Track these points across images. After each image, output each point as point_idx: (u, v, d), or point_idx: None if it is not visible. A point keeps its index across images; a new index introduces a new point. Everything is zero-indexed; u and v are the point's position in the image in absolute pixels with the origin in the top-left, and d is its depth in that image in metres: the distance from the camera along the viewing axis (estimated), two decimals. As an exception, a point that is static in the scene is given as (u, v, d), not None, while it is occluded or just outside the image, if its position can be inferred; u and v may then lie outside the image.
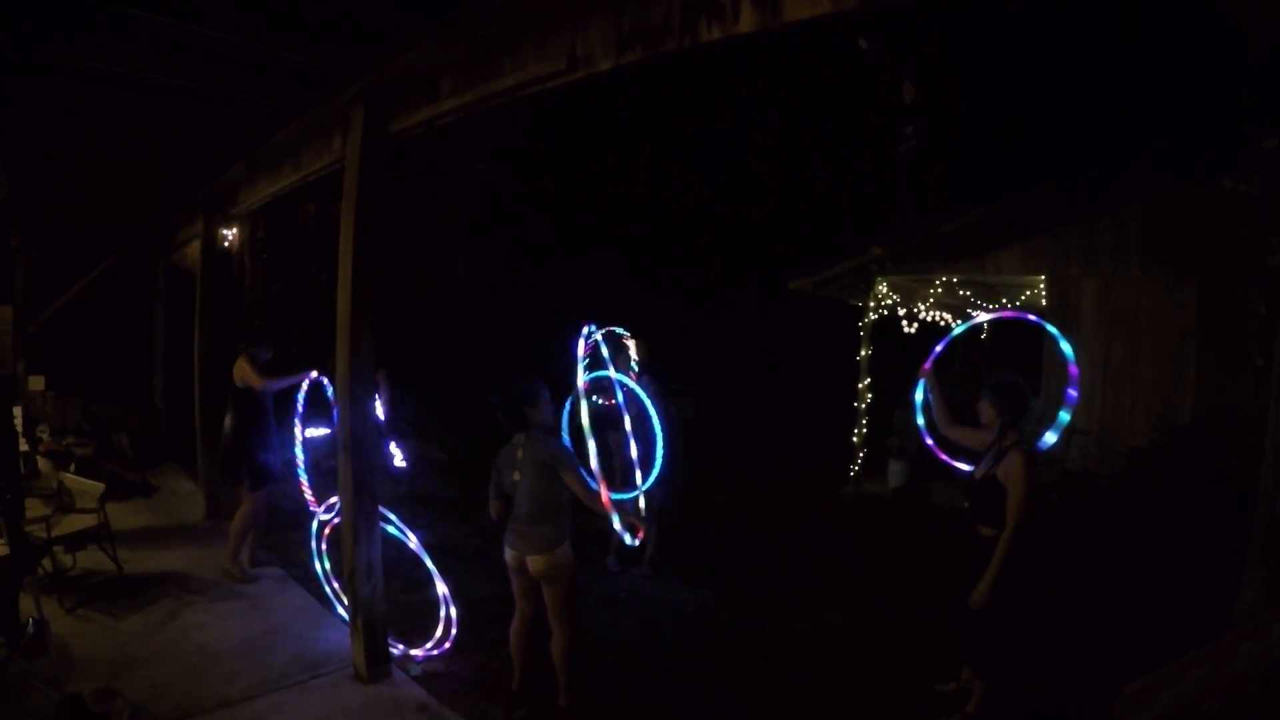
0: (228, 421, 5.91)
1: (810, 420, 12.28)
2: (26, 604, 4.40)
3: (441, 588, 4.45)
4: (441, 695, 4.32)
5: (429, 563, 4.44)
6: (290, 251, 11.32)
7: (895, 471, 9.82)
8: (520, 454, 4.00)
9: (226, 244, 11.97)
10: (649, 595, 6.17)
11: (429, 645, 4.63)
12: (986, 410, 4.13)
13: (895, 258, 9.33)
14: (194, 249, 10.44)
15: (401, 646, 4.73)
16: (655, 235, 14.47)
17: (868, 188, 12.86)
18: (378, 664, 4.43)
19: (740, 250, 14.49)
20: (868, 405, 9.94)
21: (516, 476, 3.98)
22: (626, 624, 5.58)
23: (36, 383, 8.55)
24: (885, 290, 9.91)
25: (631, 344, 6.60)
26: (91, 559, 5.88)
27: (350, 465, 4.32)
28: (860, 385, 9.93)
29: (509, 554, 4.05)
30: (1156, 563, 5.99)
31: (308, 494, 5.47)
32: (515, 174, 12.46)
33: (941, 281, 9.83)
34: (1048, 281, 8.96)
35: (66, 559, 5.82)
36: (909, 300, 10.49)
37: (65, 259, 9.13)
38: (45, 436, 7.78)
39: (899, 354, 10.80)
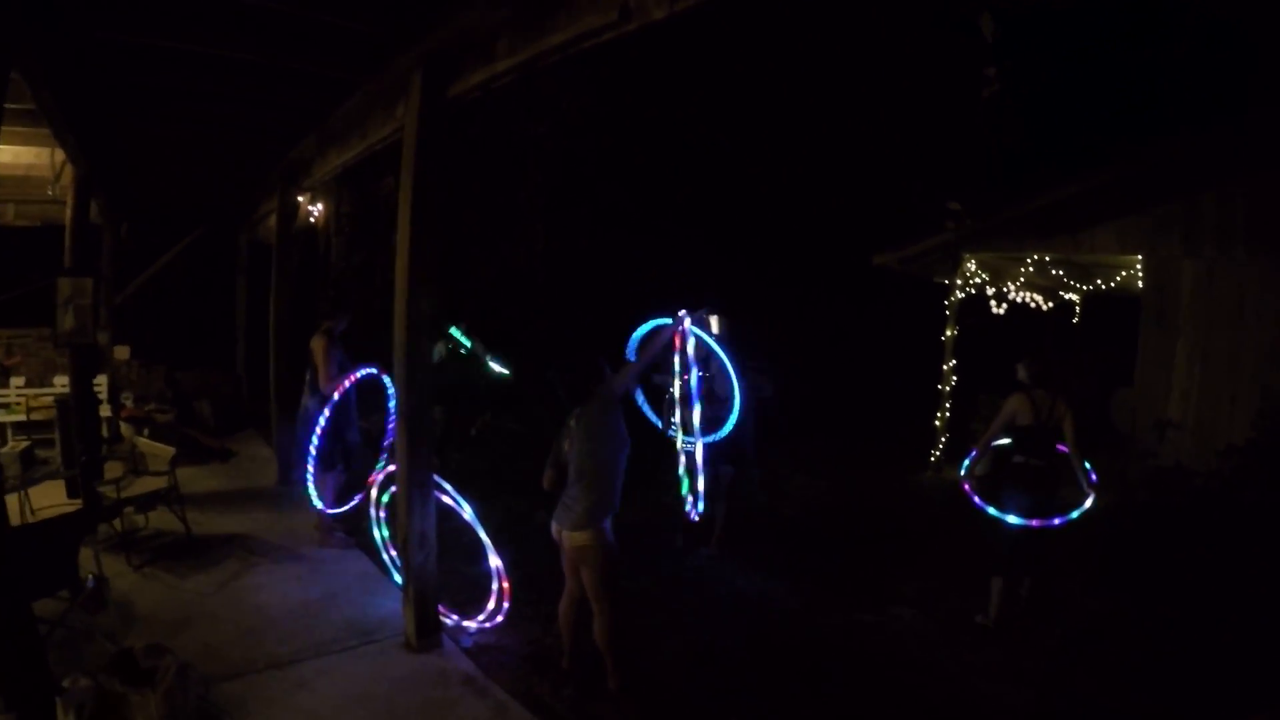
0: (306, 399, 5.96)
1: (893, 402, 11.76)
2: (91, 560, 4.52)
3: (494, 560, 4.40)
4: (490, 669, 4.27)
5: (482, 534, 4.39)
6: (372, 225, 11.52)
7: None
8: (573, 423, 3.91)
9: (312, 219, 12.33)
10: (713, 578, 5.99)
11: (481, 618, 4.60)
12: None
13: (982, 234, 8.74)
14: (273, 222, 10.82)
15: (455, 617, 4.72)
16: (738, 206, 14.06)
17: (955, 156, 12.21)
18: (428, 634, 4.43)
19: (825, 223, 13.96)
20: (952, 388, 9.47)
21: (567, 447, 3.89)
22: (687, 607, 5.43)
23: (122, 352, 8.97)
24: (974, 268, 9.33)
25: (713, 319, 6.44)
26: (163, 520, 6.11)
27: (407, 435, 4.31)
28: (945, 367, 9.47)
29: (554, 527, 3.99)
30: (1251, 571, 5.49)
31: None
32: (595, 144, 12.33)
33: (1032, 260, 9.19)
34: (1144, 262, 8.34)
35: (139, 519, 6.04)
36: (998, 279, 9.88)
37: (151, 234, 9.54)
38: (129, 403, 8.14)
39: (987, 335, 10.30)
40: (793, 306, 13.99)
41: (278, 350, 7.57)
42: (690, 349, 5.11)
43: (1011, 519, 4.98)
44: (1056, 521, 4.96)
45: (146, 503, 5.86)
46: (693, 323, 4.97)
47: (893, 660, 4.79)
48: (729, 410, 5.63)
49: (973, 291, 9.68)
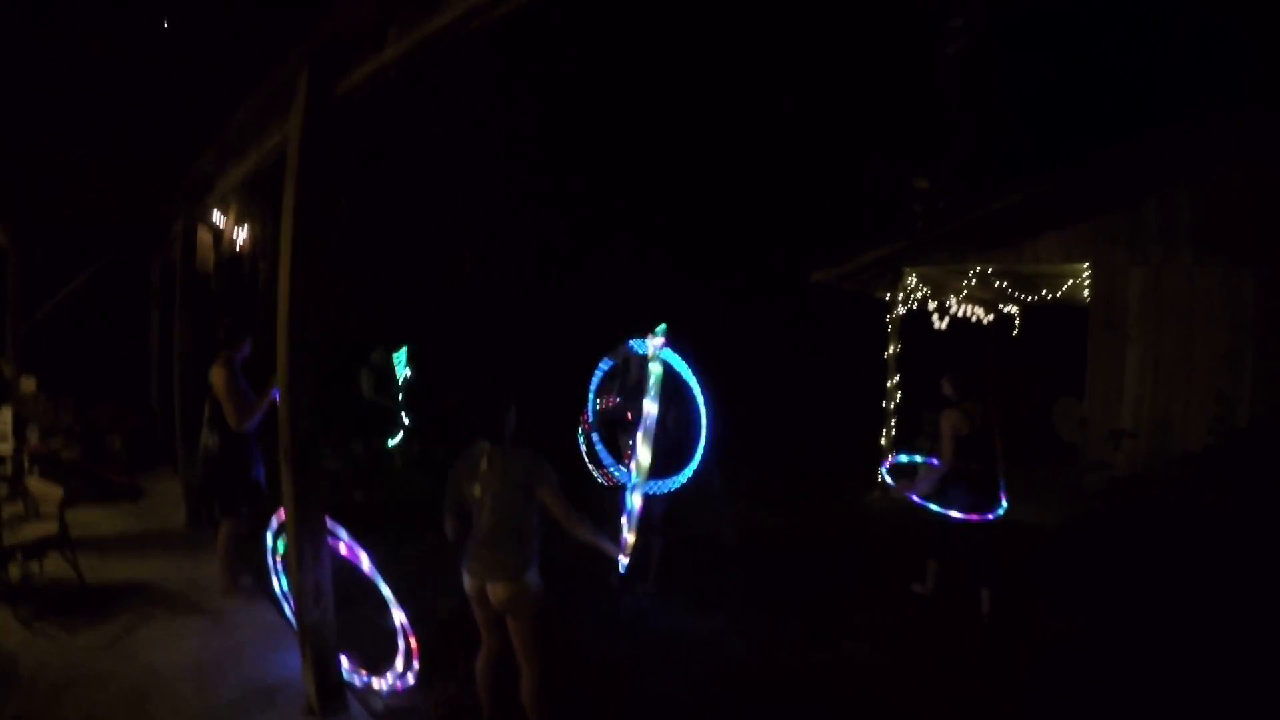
0: (205, 437, 5.44)
1: (837, 421, 11.63)
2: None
3: (399, 616, 3.96)
4: None
5: (383, 587, 3.96)
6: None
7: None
8: (484, 465, 3.50)
9: (238, 245, 11.75)
10: (653, 617, 5.60)
11: (389, 679, 4.14)
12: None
13: (923, 247, 8.68)
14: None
15: (365, 675, 4.26)
16: (670, 227, 13.83)
17: (898, 166, 12.14)
18: (330, 696, 3.96)
19: (761, 242, 13.81)
20: (896, 405, 9.28)
21: (477, 491, 3.48)
22: (625, 651, 5.04)
23: (28, 384, 8.32)
24: (914, 282, 9.22)
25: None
26: (61, 567, 5.49)
27: (292, 475, 3.85)
28: (889, 384, 9.28)
29: (468, 582, 3.55)
30: (1213, 581, 5.34)
31: None
32: (527, 162, 12.01)
33: (975, 272, 9.10)
34: (1091, 270, 8.25)
35: (35, 567, 5.49)
36: (940, 292, 9.77)
37: (58, 259, 8.90)
38: (34, 439, 7.51)
39: (930, 350, 10.17)
40: (730, 327, 13.77)
41: (183, 383, 7.03)
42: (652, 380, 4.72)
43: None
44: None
45: (35, 549, 5.30)
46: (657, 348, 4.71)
47: (855, 704, 4.45)
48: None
49: (914, 306, 9.53)
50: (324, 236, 3.86)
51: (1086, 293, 8.60)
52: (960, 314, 10.49)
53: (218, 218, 11.48)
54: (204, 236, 11.52)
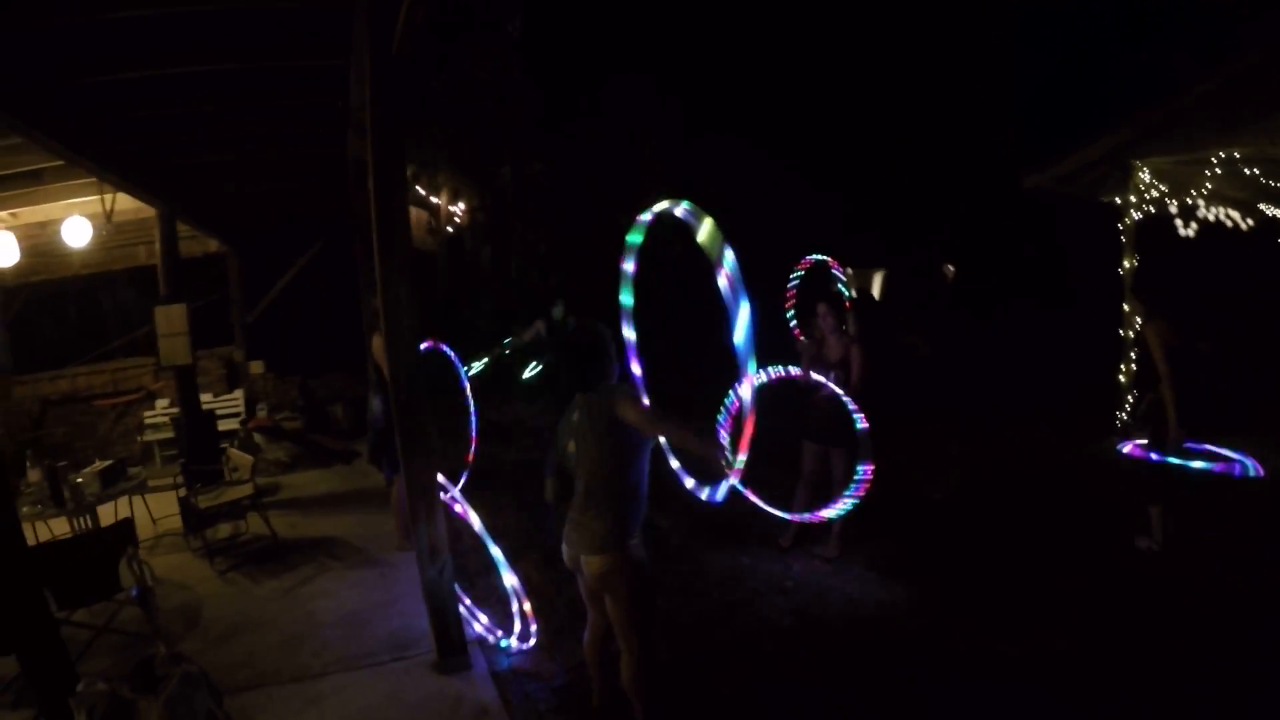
0: (371, 401, 5.77)
1: (1068, 352, 9.86)
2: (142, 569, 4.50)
3: (509, 579, 3.84)
4: (515, 700, 3.76)
5: (493, 549, 3.86)
6: (498, 215, 11.45)
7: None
8: (578, 416, 3.16)
9: (456, 218, 12.57)
10: (821, 586, 4.98)
11: (513, 641, 4.08)
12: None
13: (1155, 132, 6.93)
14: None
15: (500, 634, 4.23)
16: (844, 132, 12.51)
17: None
18: (453, 654, 3.99)
19: (964, 144, 12.04)
20: (1138, 333, 7.62)
21: (572, 447, 3.13)
22: (778, 623, 4.51)
23: (256, 367, 9.48)
24: (1148, 179, 7.43)
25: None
26: (276, 523, 6.21)
27: (402, 435, 3.86)
28: (1126, 307, 7.67)
29: (566, 552, 3.21)
30: None
31: None
32: (713, 109, 11.48)
33: (1219, 160, 7.12)
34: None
35: (242, 525, 6.26)
36: (1180, 191, 7.74)
37: (276, 255, 9.95)
38: (262, 414, 8.50)
39: (1175, 265, 8.30)
40: (929, 251, 12.25)
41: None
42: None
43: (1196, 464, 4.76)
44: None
45: (232, 510, 5.96)
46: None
47: (1028, 708, 3.61)
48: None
49: (1152, 210, 7.70)
50: (403, 200, 3.76)
51: None
52: (1214, 218, 8.33)
53: (433, 197, 12.40)
54: (417, 215, 12.47)
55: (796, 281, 7.70)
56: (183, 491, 6.16)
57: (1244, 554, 4.92)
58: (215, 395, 9.00)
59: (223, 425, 8.33)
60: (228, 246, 9.41)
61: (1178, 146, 7.10)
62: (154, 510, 6.65)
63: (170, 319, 7.02)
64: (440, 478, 3.96)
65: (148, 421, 8.56)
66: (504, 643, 4.15)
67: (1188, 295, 5.61)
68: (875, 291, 13.03)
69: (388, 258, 3.73)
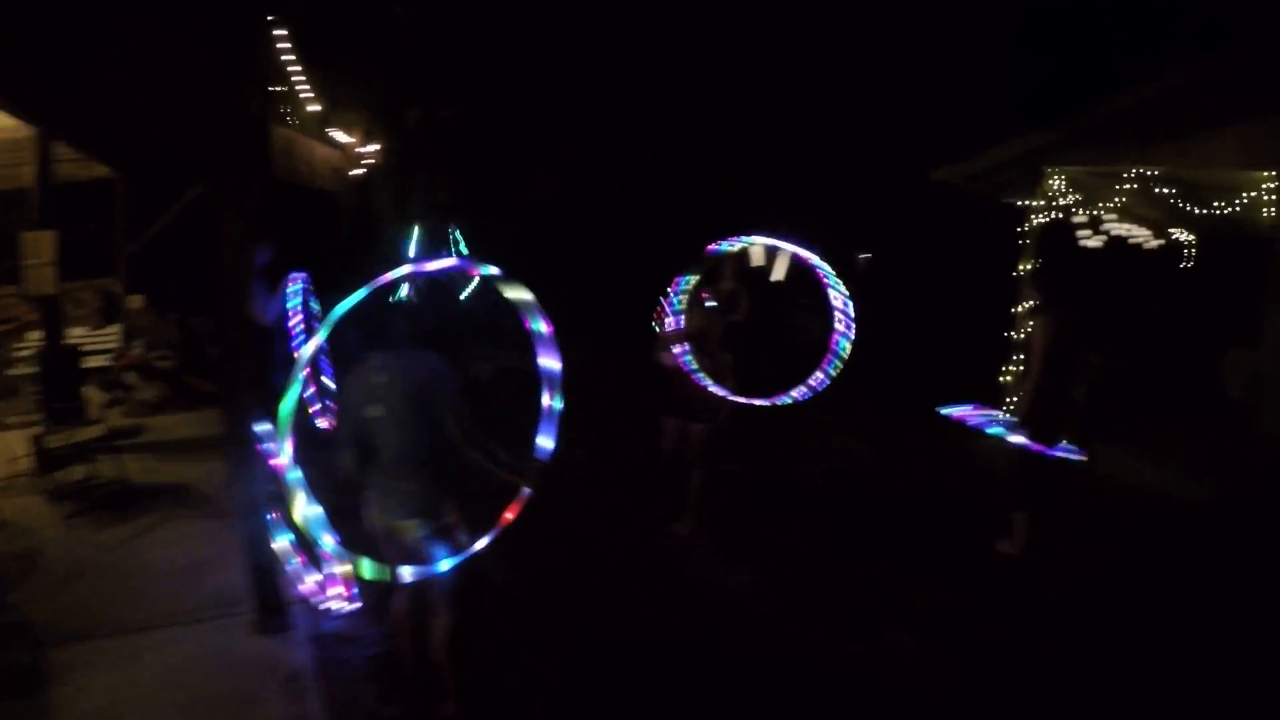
0: None
1: (967, 350, 10.00)
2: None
3: (329, 540, 3.65)
4: (330, 665, 3.65)
5: (311, 507, 3.64)
6: (404, 161, 11.04)
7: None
8: (381, 378, 3.01)
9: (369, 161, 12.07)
10: (669, 565, 4.93)
11: (330, 604, 3.91)
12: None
13: (1070, 141, 7.00)
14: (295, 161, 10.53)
15: (325, 596, 4.05)
16: (779, 132, 12.46)
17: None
18: (272, 614, 3.85)
19: (880, 139, 12.08)
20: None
21: (375, 411, 2.99)
22: (617, 602, 4.44)
23: (135, 301, 8.96)
24: (1059, 185, 7.53)
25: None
26: (131, 467, 5.92)
27: (224, 381, 3.69)
28: (1019, 309, 7.79)
29: (374, 518, 3.11)
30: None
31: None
32: (632, 80, 11.24)
33: (1132, 176, 7.27)
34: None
35: (103, 467, 5.85)
36: (1091, 202, 7.92)
37: (166, 186, 9.32)
38: (137, 351, 8.04)
39: (1079, 271, 8.46)
40: (838, 236, 12.32)
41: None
42: None
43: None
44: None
45: (79, 453, 5.62)
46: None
47: (868, 709, 3.59)
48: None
49: (1057, 214, 7.81)
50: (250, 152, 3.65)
51: (1268, 212, 6.69)
52: (1120, 234, 8.52)
53: (342, 136, 11.85)
54: (325, 153, 11.94)
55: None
56: (40, 430, 5.80)
57: (1104, 565, 5.04)
58: (92, 329, 8.48)
59: (94, 362, 7.84)
60: (116, 173, 8.80)
61: (1092, 157, 7.18)
62: (16, 449, 6.22)
63: (38, 246, 6.53)
64: (263, 428, 3.74)
65: (15, 355, 8.01)
66: (330, 606, 3.98)
67: (1085, 304, 5.70)
68: (779, 273, 13.14)
69: (227, 195, 3.49)
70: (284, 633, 3.82)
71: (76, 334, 8.17)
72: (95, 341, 8.25)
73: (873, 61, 11.96)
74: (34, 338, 8.17)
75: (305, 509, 3.55)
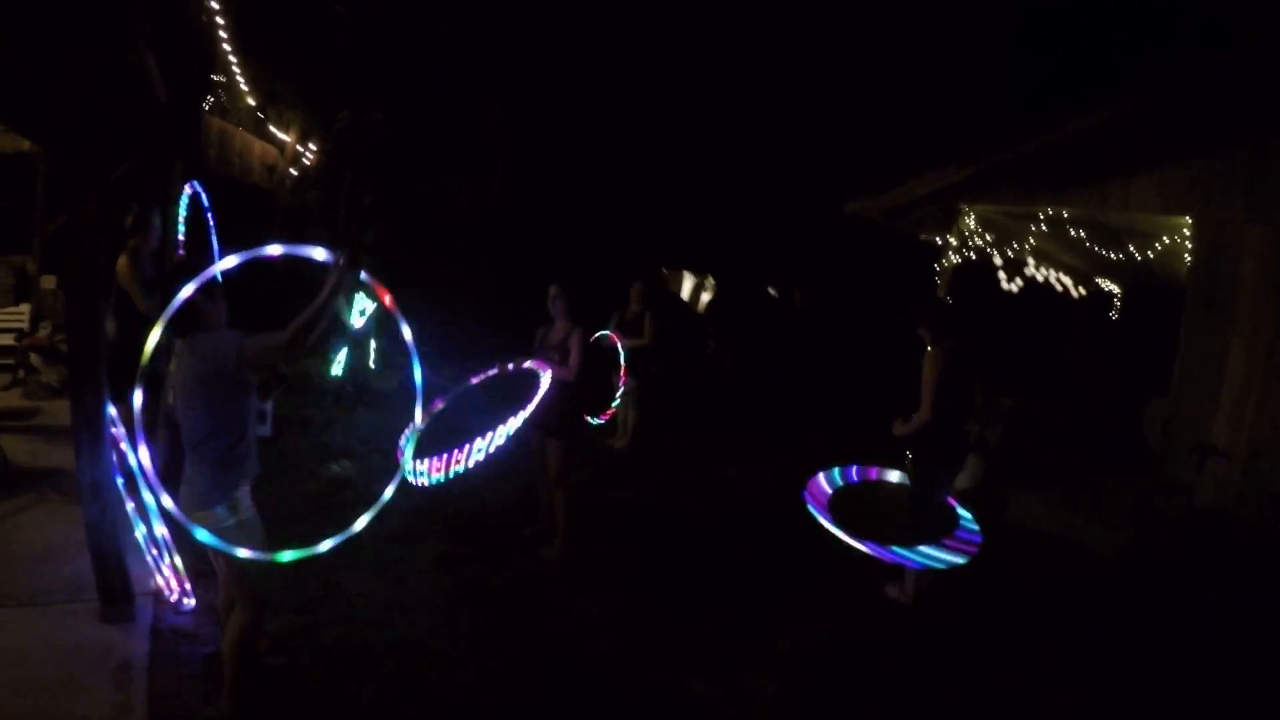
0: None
1: (866, 384, 10.06)
2: None
3: (160, 530, 3.64)
4: (162, 659, 3.58)
5: (151, 497, 3.61)
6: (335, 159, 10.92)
7: (967, 467, 7.37)
8: (174, 365, 2.98)
9: (306, 160, 11.92)
10: (527, 589, 4.75)
11: (173, 598, 3.89)
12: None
13: (986, 179, 7.02)
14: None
15: (172, 590, 4.00)
16: (686, 153, 12.58)
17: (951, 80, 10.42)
18: (114, 603, 3.79)
19: (793, 168, 12.29)
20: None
21: (171, 398, 2.97)
22: (458, 626, 4.24)
23: (49, 281, 8.79)
24: (974, 225, 7.67)
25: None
26: (13, 447, 5.72)
27: (74, 361, 3.64)
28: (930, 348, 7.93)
29: (178, 511, 2.94)
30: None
31: None
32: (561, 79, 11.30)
33: (1046, 217, 7.40)
34: (1195, 227, 6.54)
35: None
36: (1005, 241, 8.08)
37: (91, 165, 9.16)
38: (44, 333, 7.89)
39: (992, 310, 8.66)
40: (751, 266, 12.52)
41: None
42: None
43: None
44: None
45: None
46: None
47: None
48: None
49: (973, 256, 7.97)
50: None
51: (1188, 257, 6.87)
52: (1042, 279, 8.72)
53: (280, 134, 11.73)
54: (263, 148, 11.82)
55: None
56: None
57: (1003, 618, 4.88)
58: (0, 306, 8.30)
59: (-1, 340, 7.68)
60: (40, 147, 8.64)
61: (1008, 196, 7.27)
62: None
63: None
64: (111, 411, 3.70)
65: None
66: (179, 599, 3.95)
67: (982, 340, 5.70)
68: (684, 293, 13.42)
69: (79, 174, 3.46)
70: (126, 623, 3.75)
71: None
72: (2, 320, 8.06)
73: (797, 80, 12.15)
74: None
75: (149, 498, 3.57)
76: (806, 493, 4.63)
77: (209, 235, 5.21)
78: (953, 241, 7.75)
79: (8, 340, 7.73)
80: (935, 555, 4.26)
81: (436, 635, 4.12)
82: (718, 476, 7.46)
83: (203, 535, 2.77)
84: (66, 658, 3.49)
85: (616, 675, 3.89)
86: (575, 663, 3.99)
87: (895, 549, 4.24)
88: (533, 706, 3.61)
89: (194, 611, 3.95)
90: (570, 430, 4.95)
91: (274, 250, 2.90)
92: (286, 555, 2.83)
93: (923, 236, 8.18)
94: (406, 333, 3.16)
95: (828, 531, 4.37)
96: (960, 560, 4.25)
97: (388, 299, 2.93)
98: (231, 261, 2.73)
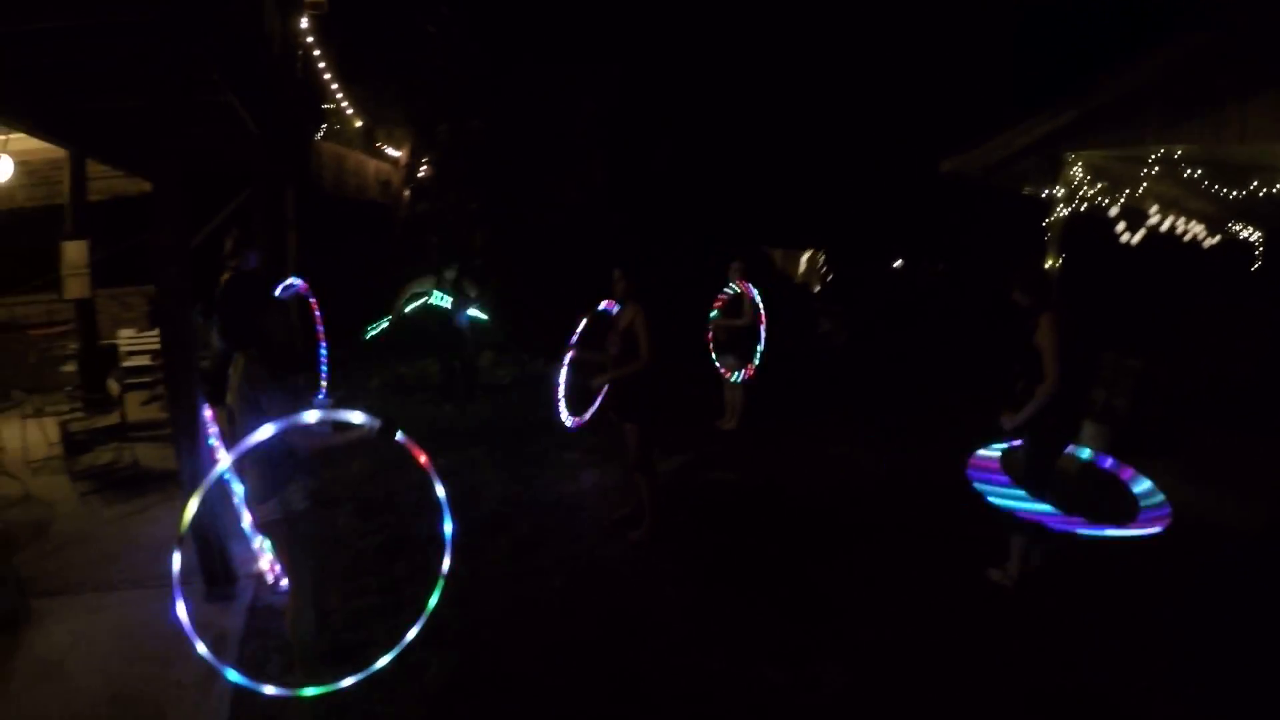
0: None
1: (977, 353, 9.36)
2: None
3: (247, 516, 3.87)
4: (254, 633, 3.87)
5: (236, 492, 3.89)
6: (445, 171, 11.43)
7: (1089, 437, 6.59)
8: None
9: (420, 175, 12.59)
10: (611, 569, 4.73)
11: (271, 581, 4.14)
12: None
13: (1092, 120, 6.34)
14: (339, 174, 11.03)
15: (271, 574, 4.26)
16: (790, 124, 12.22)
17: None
18: (216, 584, 4.13)
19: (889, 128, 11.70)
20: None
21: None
22: (536, 597, 4.34)
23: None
24: (1080, 173, 7.03)
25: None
26: (149, 454, 6.36)
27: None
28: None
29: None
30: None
31: None
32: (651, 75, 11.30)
33: (1158, 157, 6.59)
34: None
35: (125, 452, 6.35)
36: (1116, 189, 7.29)
37: (214, 199, 9.93)
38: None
39: (1111, 265, 7.92)
40: (848, 234, 11.96)
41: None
42: None
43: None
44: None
45: (96, 438, 6.07)
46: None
47: None
48: None
49: (1083, 208, 7.22)
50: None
51: None
52: (1167, 228, 7.79)
53: (392, 151, 12.44)
54: (377, 167, 12.55)
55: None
56: (69, 417, 6.31)
57: (1117, 608, 4.45)
58: (138, 331, 9.09)
59: (138, 361, 8.42)
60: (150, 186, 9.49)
61: (1113, 140, 6.59)
62: (50, 435, 6.77)
63: (73, 255, 7.15)
64: (206, 413, 3.99)
65: (62, 354, 8.70)
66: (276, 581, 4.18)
67: (1093, 303, 5.23)
68: (799, 272, 13.07)
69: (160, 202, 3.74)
70: (227, 601, 4.04)
71: (126, 335, 8.79)
72: (141, 342, 8.84)
73: (872, 53, 11.67)
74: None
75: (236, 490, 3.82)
76: (970, 469, 4.31)
77: (315, 324, 5.56)
78: (1060, 193, 7.14)
79: (145, 360, 8.47)
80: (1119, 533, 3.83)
81: (511, 615, 4.17)
82: (825, 457, 7.16)
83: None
84: (171, 632, 3.77)
85: (686, 657, 3.81)
86: (646, 645, 3.92)
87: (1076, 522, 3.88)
88: (600, 687, 3.58)
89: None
90: (646, 414, 4.88)
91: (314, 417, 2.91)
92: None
93: (1026, 190, 7.57)
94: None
95: (990, 505, 4.08)
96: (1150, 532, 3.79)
97: (423, 458, 2.99)
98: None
